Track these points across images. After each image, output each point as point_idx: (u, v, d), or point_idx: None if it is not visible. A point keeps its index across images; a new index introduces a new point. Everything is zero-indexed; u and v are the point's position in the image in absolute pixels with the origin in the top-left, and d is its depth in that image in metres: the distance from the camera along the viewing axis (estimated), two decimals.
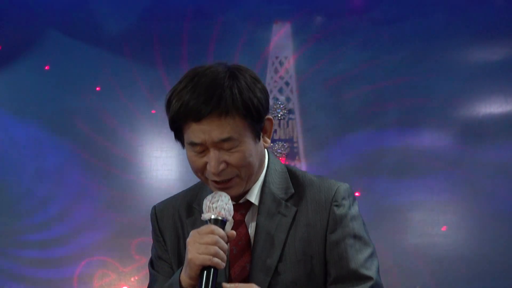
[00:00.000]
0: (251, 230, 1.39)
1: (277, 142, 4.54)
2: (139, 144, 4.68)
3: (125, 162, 4.64)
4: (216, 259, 1.23)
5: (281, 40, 4.68)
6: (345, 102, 4.51)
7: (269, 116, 1.37)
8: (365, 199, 4.22)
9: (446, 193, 4.33)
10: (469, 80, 4.33)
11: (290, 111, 4.63)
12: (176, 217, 1.47)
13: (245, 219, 1.39)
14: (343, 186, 1.40)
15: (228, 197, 1.31)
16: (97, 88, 4.70)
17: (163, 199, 1.57)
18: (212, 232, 1.25)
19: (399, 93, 4.43)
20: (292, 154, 4.55)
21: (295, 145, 4.60)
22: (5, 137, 4.71)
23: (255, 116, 1.30)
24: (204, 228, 1.27)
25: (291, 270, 1.35)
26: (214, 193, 1.32)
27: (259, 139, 1.36)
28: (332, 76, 4.51)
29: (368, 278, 1.34)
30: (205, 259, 1.23)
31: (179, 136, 1.37)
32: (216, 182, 1.33)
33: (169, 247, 1.44)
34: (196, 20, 4.69)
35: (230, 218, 1.30)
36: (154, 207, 1.51)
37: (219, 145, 1.28)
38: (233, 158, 1.29)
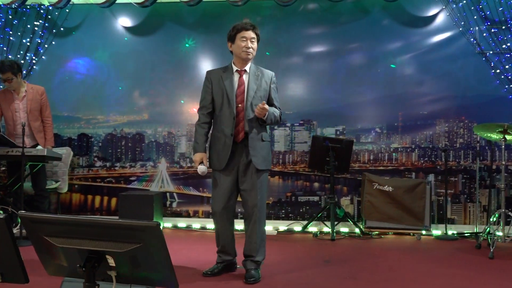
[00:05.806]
0: (246, 82, 3.88)
1: None
2: None
3: None
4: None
5: None
6: None
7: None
8: None
9: None
10: None
11: None
12: (219, 73, 3.95)
13: (244, 77, 3.89)
14: (274, 74, 4.03)
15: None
16: None
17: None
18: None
19: None
20: None
21: None
22: None
23: (259, 37, 3.93)
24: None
25: (259, 95, 3.88)
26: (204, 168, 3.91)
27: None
28: None
29: (279, 108, 4.03)
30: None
31: (232, 39, 3.87)
32: (246, 51, 3.82)
33: (213, 84, 3.91)
34: None
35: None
36: (208, 71, 4.01)
37: (251, 39, 3.84)
38: (252, 44, 3.85)
